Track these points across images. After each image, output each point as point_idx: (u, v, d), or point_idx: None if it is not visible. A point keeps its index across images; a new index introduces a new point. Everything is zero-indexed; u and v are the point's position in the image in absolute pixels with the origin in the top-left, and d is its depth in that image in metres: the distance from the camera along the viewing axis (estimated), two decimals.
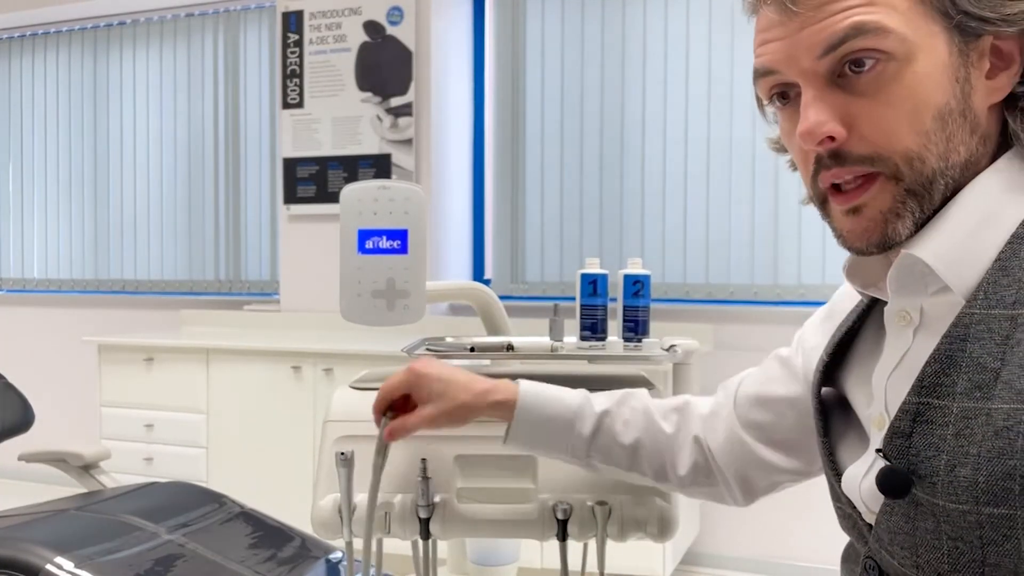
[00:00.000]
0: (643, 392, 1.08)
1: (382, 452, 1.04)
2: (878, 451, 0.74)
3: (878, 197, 0.74)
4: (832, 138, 0.73)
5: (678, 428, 1.05)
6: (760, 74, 0.78)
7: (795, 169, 0.84)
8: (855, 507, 0.81)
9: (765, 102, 0.83)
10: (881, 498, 0.74)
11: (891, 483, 0.72)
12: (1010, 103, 0.75)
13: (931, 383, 0.70)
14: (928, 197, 0.73)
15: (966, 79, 0.72)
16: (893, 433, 0.72)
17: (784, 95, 0.79)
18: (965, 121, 0.73)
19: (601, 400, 1.05)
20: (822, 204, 0.79)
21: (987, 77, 0.73)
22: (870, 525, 0.79)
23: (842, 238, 0.78)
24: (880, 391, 0.78)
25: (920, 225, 0.74)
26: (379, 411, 1.05)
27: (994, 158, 0.75)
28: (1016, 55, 0.74)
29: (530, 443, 1.04)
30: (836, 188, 0.76)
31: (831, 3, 0.72)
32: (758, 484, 1.03)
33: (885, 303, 0.80)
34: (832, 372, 0.89)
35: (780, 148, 0.88)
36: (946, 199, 0.74)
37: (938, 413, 0.70)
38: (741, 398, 1.03)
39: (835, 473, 0.84)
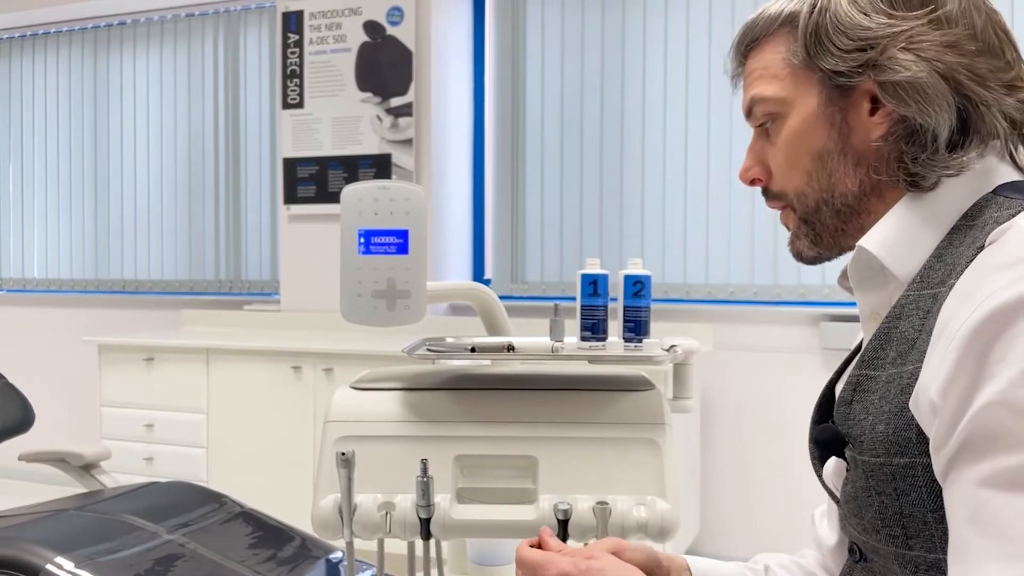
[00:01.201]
0: (780, 558, 1.06)
1: None
2: (832, 421, 0.84)
3: (789, 222, 0.92)
4: (761, 179, 0.92)
5: None
6: None
7: None
8: (837, 497, 0.88)
9: None
10: (842, 477, 0.83)
11: (823, 438, 0.83)
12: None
13: (870, 357, 0.80)
14: (818, 223, 0.88)
15: (843, 122, 0.85)
16: (839, 403, 0.82)
17: None
18: (846, 158, 0.85)
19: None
20: None
21: (870, 115, 0.84)
22: None
23: None
24: None
25: (818, 244, 0.89)
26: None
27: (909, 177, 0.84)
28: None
29: None
30: None
31: (747, 78, 0.92)
32: None
33: None
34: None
35: None
36: (848, 216, 0.86)
37: (872, 383, 0.79)
38: (827, 551, 1.02)
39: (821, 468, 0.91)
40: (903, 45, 0.79)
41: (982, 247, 0.74)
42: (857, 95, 0.83)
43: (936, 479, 0.71)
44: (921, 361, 0.73)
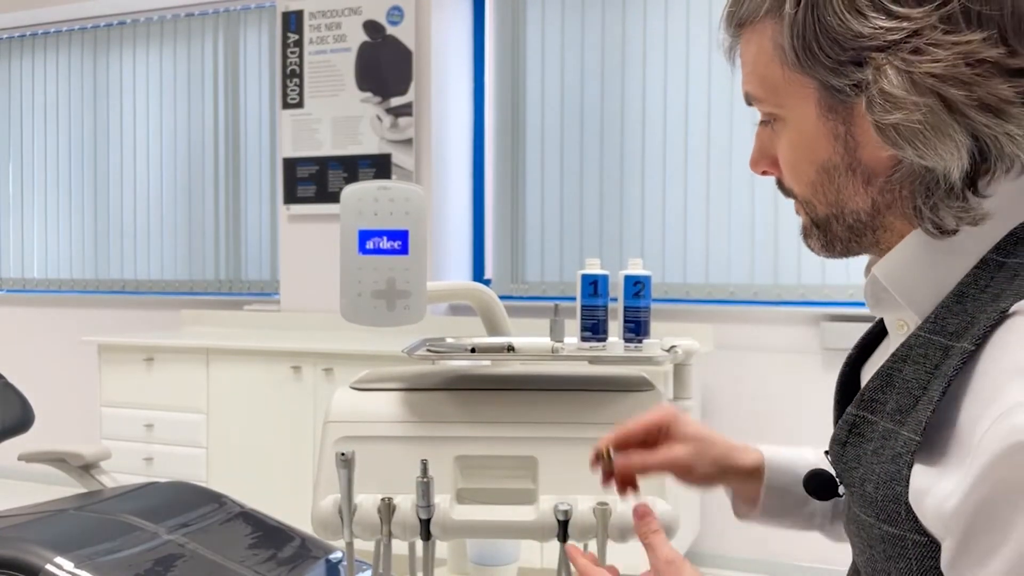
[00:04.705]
0: None
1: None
2: (825, 452, 0.78)
3: (801, 213, 0.81)
4: (771, 171, 0.82)
5: None
6: None
7: None
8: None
9: None
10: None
11: (812, 485, 0.79)
12: None
13: (869, 398, 0.72)
14: (829, 232, 0.78)
15: (848, 134, 0.72)
16: (833, 440, 0.75)
17: None
18: (854, 175, 0.73)
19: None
20: None
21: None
22: None
23: None
24: None
25: (829, 250, 0.80)
26: (619, 443, 0.95)
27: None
28: None
29: (778, 513, 0.98)
30: None
31: (743, 67, 0.80)
32: None
33: None
34: (859, 366, 0.88)
35: None
36: (861, 232, 0.76)
37: (868, 428, 0.72)
38: None
39: None
40: (900, 64, 0.66)
41: (1005, 312, 0.63)
42: (862, 106, 0.70)
43: (928, 555, 0.66)
44: (917, 432, 0.65)
